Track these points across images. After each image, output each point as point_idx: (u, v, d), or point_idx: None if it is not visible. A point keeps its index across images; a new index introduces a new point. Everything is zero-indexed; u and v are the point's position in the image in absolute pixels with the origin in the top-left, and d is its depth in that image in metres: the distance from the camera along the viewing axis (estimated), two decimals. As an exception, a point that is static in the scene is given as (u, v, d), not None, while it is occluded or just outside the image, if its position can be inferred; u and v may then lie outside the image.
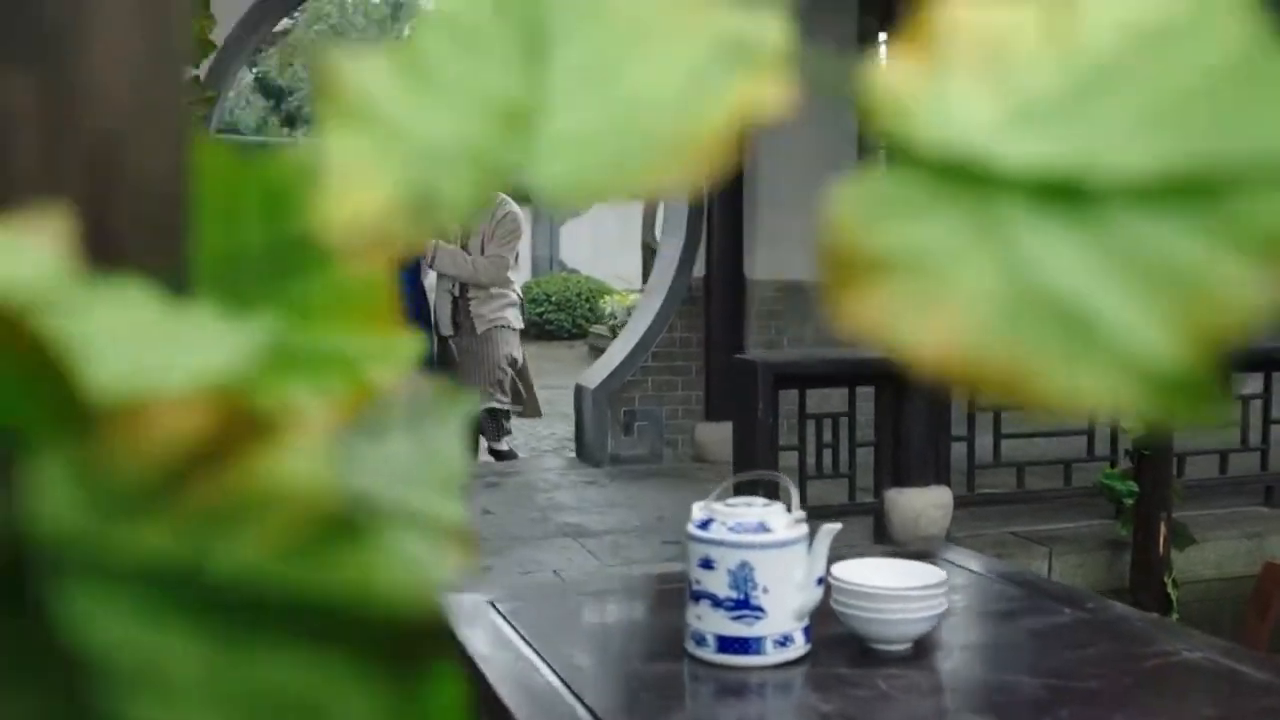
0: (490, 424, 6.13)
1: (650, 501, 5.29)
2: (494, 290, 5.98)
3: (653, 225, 24.99)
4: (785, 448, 4.27)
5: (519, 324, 6.13)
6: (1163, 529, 4.31)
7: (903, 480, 4.42)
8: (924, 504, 4.41)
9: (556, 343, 14.99)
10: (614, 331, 11.88)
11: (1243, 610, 4.75)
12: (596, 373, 6.07)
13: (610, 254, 18.08)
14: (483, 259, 5.89)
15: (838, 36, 5.92)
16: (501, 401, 5.98)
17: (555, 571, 4.10)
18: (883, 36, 6.06)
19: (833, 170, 6.45)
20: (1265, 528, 4.74)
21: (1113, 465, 4.84)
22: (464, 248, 5.96)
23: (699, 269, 6.19)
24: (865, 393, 4.47)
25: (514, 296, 6.11)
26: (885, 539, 4.44)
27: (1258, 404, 4.87)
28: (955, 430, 4.58)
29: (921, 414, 4.40)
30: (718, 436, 6.18)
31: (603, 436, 6.03)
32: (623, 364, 6.11)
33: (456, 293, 6.01)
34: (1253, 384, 4.98)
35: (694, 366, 6.21)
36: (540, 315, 15.24)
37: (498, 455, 6.25)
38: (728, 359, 6.16)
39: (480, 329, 5.99)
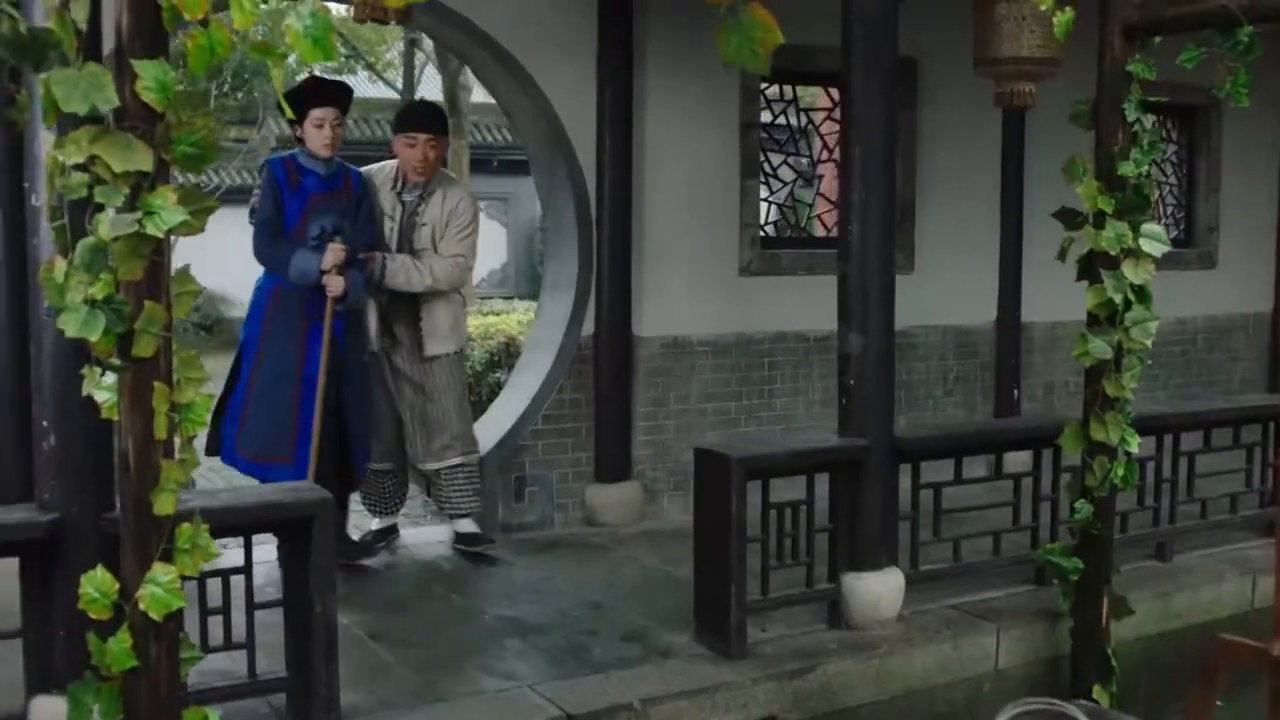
0: (453, 487, 5.37)
1: (572, 582, 5.05)
2: (450, 295, 5.29)
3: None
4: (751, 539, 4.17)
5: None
6: (1105, 602, 4.44)
7: (858, 563, 4.38)
8: (883, 588, 4.39)
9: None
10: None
11: (1169, 676, 4.99)
12: (485, 438, 5.75)
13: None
14: (440, 261, 5.14)
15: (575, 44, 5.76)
16: (466, 456, 5.33)
17: (533, 688, 3.82)
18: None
19: (720, 227, 6.37)
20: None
21: (1036, 534, 4.97)
22: (409, 246, 5.21)
23: (588, 326, 5.97)
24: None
25: (463, 302, 5.49)
26: (841, 623, 4.39)
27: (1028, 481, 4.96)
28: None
29: (877, 496, 4.37)
30: (610, 499, 6.00)
31: (494, 504, 5.72)
32: (514, 428, 5.82)
33: (385, 297, 5.21)
34: (1021, 463, 5.09)
35: (584, 428, 5.99)
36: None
37: (469, 541, 5.42)
38: (617, 418, 6.01)
39: (432, 349, 5.22)
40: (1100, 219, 4.17)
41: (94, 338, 2.49)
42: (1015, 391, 7.33)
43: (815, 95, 7.14)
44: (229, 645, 3.37)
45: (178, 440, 2.68)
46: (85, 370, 2.60)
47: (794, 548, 4.33)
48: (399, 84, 25.21)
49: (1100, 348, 4.17)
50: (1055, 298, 7.55)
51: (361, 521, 5.70)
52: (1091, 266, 4.27)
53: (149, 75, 2.49)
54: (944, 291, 6.97)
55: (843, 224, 4.37)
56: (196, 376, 2.70)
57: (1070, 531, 4.52)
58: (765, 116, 6.55)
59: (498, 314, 14.74)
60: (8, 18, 2.41)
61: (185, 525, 2.68)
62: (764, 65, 2.25)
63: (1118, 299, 4.16)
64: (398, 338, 5.26)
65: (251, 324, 4.98)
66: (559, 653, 4.19)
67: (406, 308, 5.23)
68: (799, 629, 4.38)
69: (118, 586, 2.66)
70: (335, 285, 4.85)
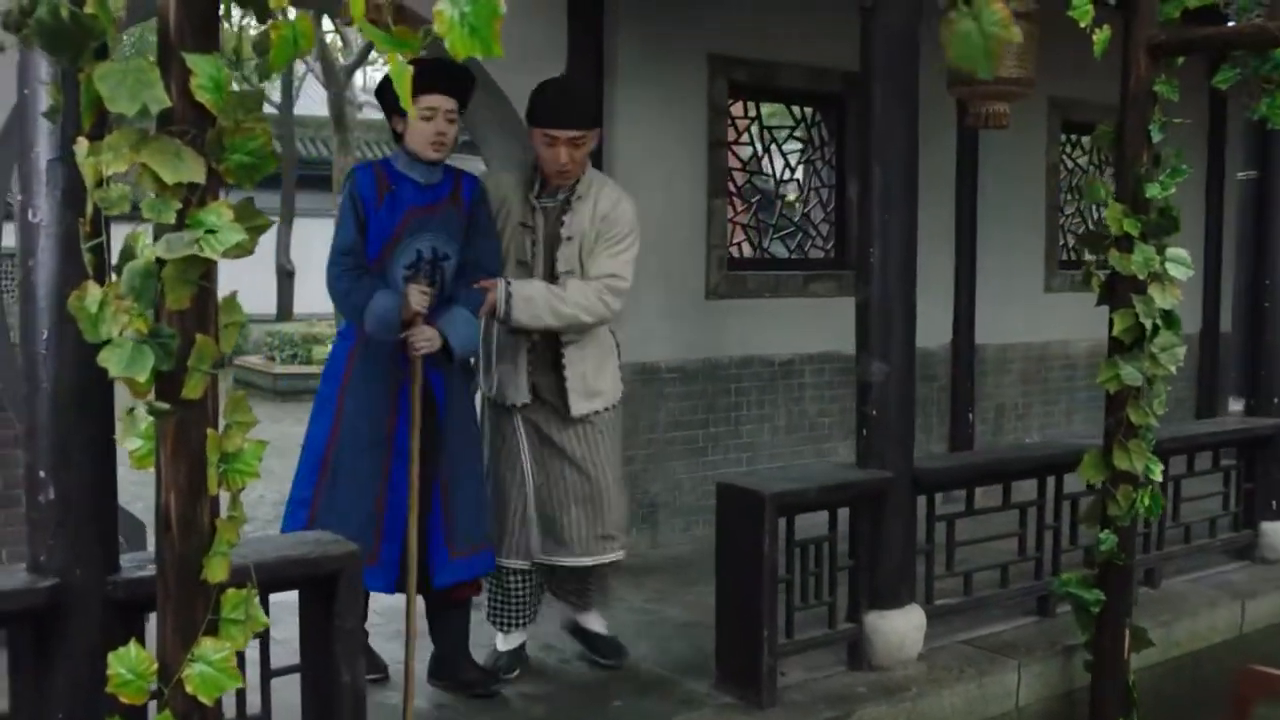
0: (579, 586, 4.22)
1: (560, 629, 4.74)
2: (598, 332, 4.04)
3: (287, 248, 23.67)
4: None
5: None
6: (1127, 634, 4.31)
7: (881, 601, 4.17)
8: (907, 626, 4.19)
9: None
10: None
11: (1180, 706, 4.90)
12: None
13: (235, 275, 16.77)
14: (583, 286, 3.87)
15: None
16: (613, 550, 4.11)
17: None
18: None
19: (688, 248, 6.14)
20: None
21: (1040, 564, 4.84)
22: (552, 266, 3.93)
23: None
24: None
25: (615, 344, 4.21)
26: (862, 664, 4.17)
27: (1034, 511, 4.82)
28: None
29: (898, 530, 4.18)
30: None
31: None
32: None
33: (535, 336, 3.97)
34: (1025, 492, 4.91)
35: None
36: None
37: (594, 645, 4.29)
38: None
39: (580, 407, 3.97)
40: (1126, 242, 4.05)
41: (142, 377, 2.13)
42: (970, 415, 7.26)
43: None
44: (243, 718, 2.99)
45: (224, 495, 2.32)
46: (124, 416, 2.23)
47: (817, 587, 4.11)
48: (275, 97, 24.52)
49: (1131, 374, 4.04)
50: (1005, 321, 7.55)
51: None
52: (1114, 290, 4.14)
53: (204, 72, 2.15)
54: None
55: (863, 247, 4.17)
56: (245, 420, 2.34)
57: (1089, 562, 4.38)
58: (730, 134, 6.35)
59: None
60: (47, 1, 2.06)
61: (234, 591, 2.32)
62: (992, 69, 2.01)
63: (1147, 324, 4.03)
64: (538, 390, 4.01)
65: (330, 378, 3.85)
66: (581, 713, 3.87)
67: (545, 350, 4.00)
68: (820, 671, 4.15)
69: (155, 666, 2.28)
70: (420, 339, 3.63)
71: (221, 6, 2.21)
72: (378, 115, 27.45)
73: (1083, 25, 3.76)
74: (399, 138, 3.79)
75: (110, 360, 2.12)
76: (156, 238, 2.17)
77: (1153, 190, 4.04)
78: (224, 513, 2.32)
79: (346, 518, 3.61)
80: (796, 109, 6.66)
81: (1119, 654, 4.29)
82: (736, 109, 6.41)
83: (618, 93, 5.75)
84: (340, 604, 2.96)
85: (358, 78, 23.37)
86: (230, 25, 2.32)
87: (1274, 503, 5.74)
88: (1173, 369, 4.12)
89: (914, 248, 4.22)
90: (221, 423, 2.31)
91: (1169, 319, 4.09)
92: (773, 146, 6.63)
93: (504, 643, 4.17)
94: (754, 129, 6.51)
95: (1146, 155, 4.06)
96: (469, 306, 3.77)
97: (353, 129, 21.78)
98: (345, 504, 3.68)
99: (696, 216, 6.12)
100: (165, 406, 2.18)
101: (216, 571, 2.26)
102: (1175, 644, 4.92)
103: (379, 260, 3.76)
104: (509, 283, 3.82)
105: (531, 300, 3.79)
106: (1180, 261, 4.10)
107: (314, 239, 17.81)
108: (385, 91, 3.70)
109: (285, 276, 24.04)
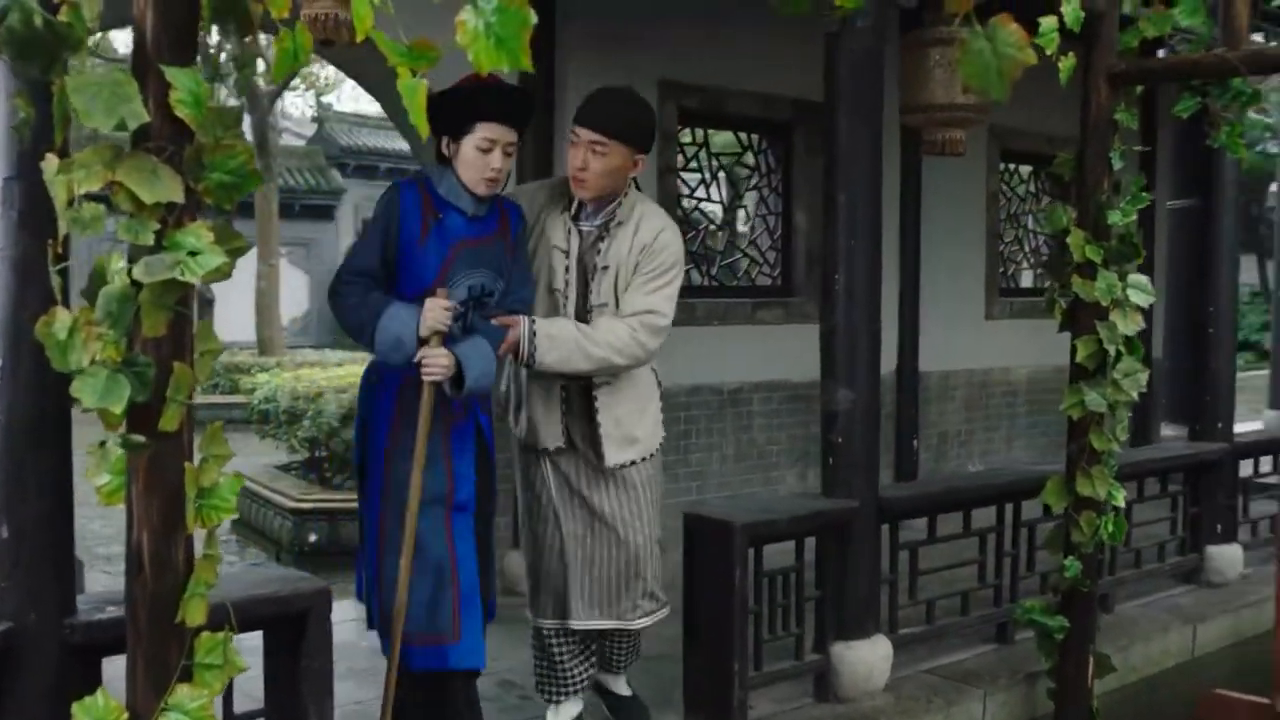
0: (623, 648, 3.77)
1: (518, 662, 4.61)
2: (635, 373, 3.57)
3: (208, 275, 23.22)
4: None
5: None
6: (1091, 660, 4.31)
7: (847, 632, 4.12)
8: (875, 657, 4.14)
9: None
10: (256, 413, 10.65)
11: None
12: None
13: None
14: (616, 323, 3.41)
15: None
16: (659, 612, 3.67)
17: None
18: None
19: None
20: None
21: (999, 592, 4.83)
22: (585, 298, 3.49)
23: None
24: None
25: (657, 382, 3.72)
26: (829, 696, 4.11)
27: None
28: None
29: (865, 559, 4.13)
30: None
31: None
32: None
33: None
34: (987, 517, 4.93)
35: (504, 491, 5.55)
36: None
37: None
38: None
39: (615, 456, 3.51)
40: (1089, 269, 4.06)
41: (118, 408, 2.00)
42: (915, 442, 7.26)
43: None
44: (203, 767, 2.83)
45: (198, 533, 2.20)
46: (92, 450, 2.10)
47: (785, 617, 4.04)
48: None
49: (1096, 400, 4.05)
50: (948, 348, 7.59)
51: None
52: (1076, 317, 4.15)
53: (183, 86, 2.03)
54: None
55: (828, 274, 4.14)
56: (221, 453, 2.22)
57: (1047, 588, 4.38)
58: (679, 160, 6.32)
59: (311, 365, 14.06)
60: (19, 7, 1.93)
61: (209, 635, 2.19)
62: (1006, 91, 1.97)
63: (1111, 350, 4.05)
64: (569, 432, 3.56)
65: (375, 431, 3.26)
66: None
67: (576, 391, 3.55)
68: (788, 704, 4.09)
69: (125, 716, 2.15)
70: (434, 362, 3.08)
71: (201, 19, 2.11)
72: (298, 142, 27.16)
73: (1048, 53, 3.77)
74: (444, 162, 3.25)
75: (84, 391, 1.99)
76: (132, 260, 2.06)
77: (1114, 217, 4.06)
78: (199, 551, 2.20)
79: (414, 588, 3.10)
80: (744, 136, 6.65)
81: (1083, 681, 4.28)
82: (685, 136, 6.38)
83: (569, 118, 5.67)
84: (309, 644, 2.85)
85: (280, 103, 23.04)
86: (210, 39, 2.22)
87: (1219, 527, 5.81)
88: (1135, 395, 4.15)
89: (879, 274, 4.20)
90: (196, 455, 2.19)
91: (1131, 345, 4.11)
92: (720, 174, 6.60)
93: (555, 715, 3.74)
94: (702, 156, 6.48)
95: (1107, 183, 4.09)
96: (488, 338, 3.24)
97: (275, 155, 21.45)
98: (411, 576, 3.09)
99: (646, 243, 6.06)
100: (141, 440, 2.06)
101: (194, 614, 2.13)
102: (1132, 669, 4.93)
103: (422, 298, 3.14)
104: (533, 321, 3.35)
105: (557, 340, 3.33)
106: (1141, 288, 4.12)
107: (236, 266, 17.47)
108: (438, 109, 2.99)
109: (204, 304, 23.60)
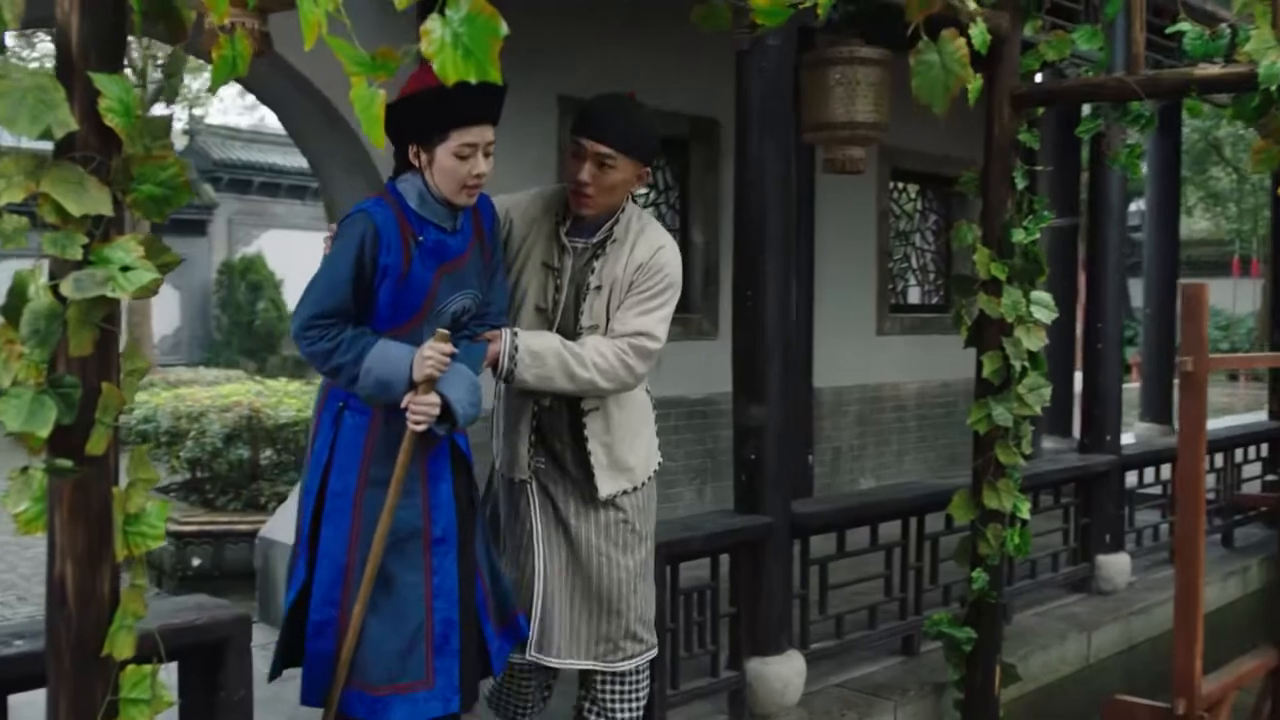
0: (616, 694, 3.38)
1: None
2: (626, 396, 3.32)
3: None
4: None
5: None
6: (998, 671, 4.38)
7: (761, 648, 4.13)
8: (790, 673, 4.15)
9: None
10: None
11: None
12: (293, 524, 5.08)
13: None
14: (604, 344, 3.15)
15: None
16: (645, 654, 3.37)
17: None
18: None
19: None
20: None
21: (905, 604, 4.89)
22: (575, 319, 3.23)
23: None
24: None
25: (651, 403, 3.52)
26: (743, 713, 4.11)
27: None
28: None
29: (779, 575, 4.15)
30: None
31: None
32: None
33: (545, 399, 3.26)
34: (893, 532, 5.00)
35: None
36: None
37: None
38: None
39: (609, 486, 3.27)
40: (994, 285, 4.15)
41: (44, 431, 1.90)
42: (810, 458, 7.34)
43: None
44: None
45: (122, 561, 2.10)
46: (13, 476, 1.99)
47: (701, 635, 4.03)
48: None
49: (1002, 415, 4.13)
50: (840, 363, 7.70)
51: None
52: (981, 333, 4.23)
53: (112, 94, 1.95)
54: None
55: (739, 290, 4.15)
56: (148, 478, 2.12)
57: (960, 601, 4.45)
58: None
59: (188, 384, 13.64)
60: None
61: (135, 668, 2.08)
62: (945, 105, 1.98)
63: (1017, 365, 4.13)
64: (557, 457, 3.30)
65: (343, 470, 2.92)
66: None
67: (562, 413, 3.29)
68: (702, 722, 4.07)
69: (45, 757, 2.03)
70: (424, 410, 2.81)
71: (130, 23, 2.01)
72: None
73: (969, 87, 3.84)
74: (411, 169, 2.89)
75: (7, 413, 1.88)
76: (57, 275, 1.95)
77: (1018, 235, 4.15)
78: (125, 581, 2.09)
79: (387, 635, 2.86)
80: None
81: (990, 690, 4.36)
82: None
83: (470, 132, 5.62)
84: (227, 674, 2.74)
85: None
86: (139, 45, 2.12)
87: (1108, 536, 5.99)
88: (1039, 409, 4.24)
89: (790, 291, 4.24)
90: (123, 480, 2.09)
91: (1035, 360, 4.20)
92: (620, 190, 6.59)
93: None
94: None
95: (1011, 202, 4.18)
96: (469, 363, 2.94)
97: (146, 167, 20.65)
98: (384, 618, 2.86)
99: (547, 259, 6.02)
100: (68, 464, 1.95)
101: (122, 647, 2.03)
102: (1032, 678, 5.03)
103: (403, 331, 2.86)
104: (515, 334, 3.09)
105: (541, 357, 3.07)
106: (1044, 304, 4.22)
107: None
108: (402, 115, 2.77)
109: None
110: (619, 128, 3.15)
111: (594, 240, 3.24)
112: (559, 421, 3.27)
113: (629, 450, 3.31)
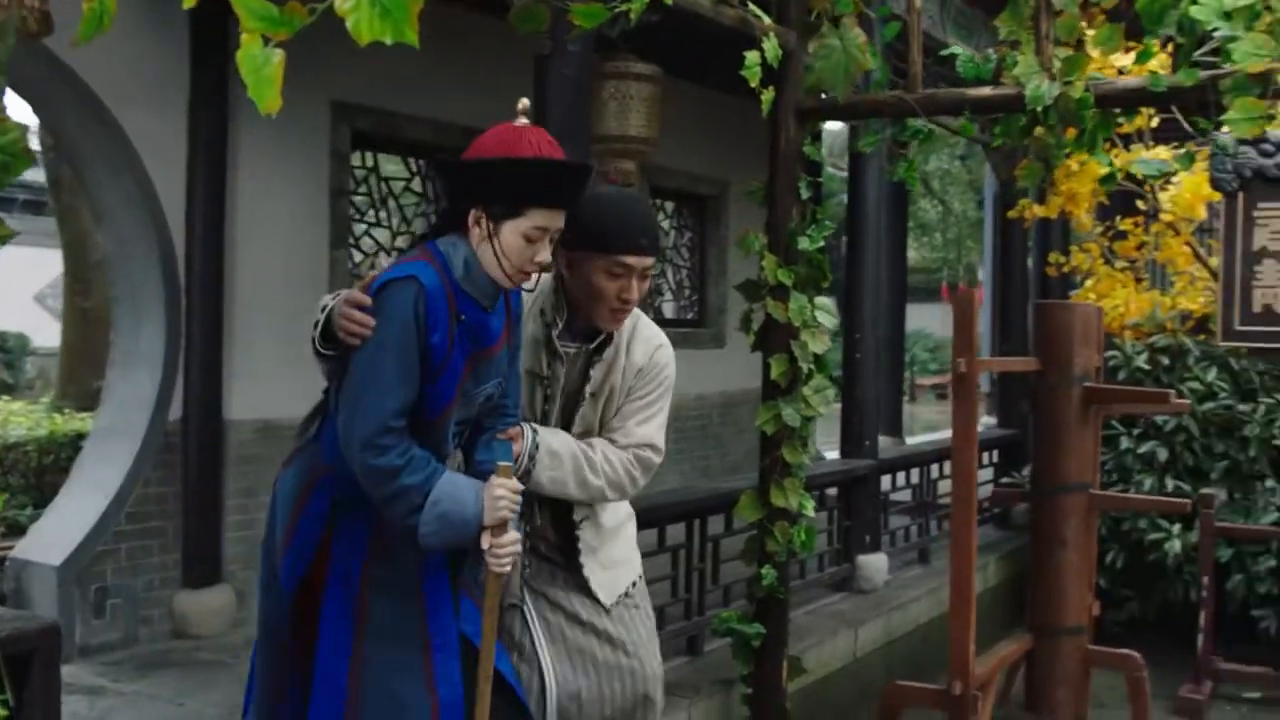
0: None
1: (223, 710, 4.30)
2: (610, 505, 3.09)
3: None
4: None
5: None
6: (785, 664, 4.54)
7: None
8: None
9: None
10: None
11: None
12: (55, 544, 4.75)
13: None
14: (614, 455, 2.93)
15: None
16: None
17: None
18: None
19: (311, 300, 5.83)
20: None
21: (689, 604, 5.00)
22: (565, 428, 2.96)
23: (175, 409, 5.19)
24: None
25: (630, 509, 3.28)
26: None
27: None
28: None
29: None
30: (202, 606, 5.21)
31: (70, 625, 4.74)
32: (93, 531, 4.88)
33: (538, 518, 3.00)
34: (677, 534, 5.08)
35: (171, 526, 5.17)
36: None
37: None
38: (207, 514, 5.28)
39: (612, 589, 3.02)
40: (781, 291, 4.32)
41: None
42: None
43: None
44: (-102, 845, 2.44)
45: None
46: None
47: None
48: None
49: (791, 415, 4.29)
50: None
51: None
52: (767, 337, 4.39)
53: (-58, 53, 1.80)
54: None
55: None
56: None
57: (748, 598, 4.58)
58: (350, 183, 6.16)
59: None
60: None
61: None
62: (847, 91, 2.05)
63: (804, 368, 4.31)
64: (550, 573, 3.02)
65: (342, 561, 2.54)
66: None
67: (556, 530, 3.03)
68: None
69: None
70: (506, 551, 2.48)
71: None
72: None
73: (752, 85, 4.00)
74: (449, 225, 2.56)
75: None
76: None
77: (803, 243, 4.34)
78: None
79: None
80: (413, 162, 6.58)
81: (778, 683, 4.51)
82: (356, 159, 6.23)
83: (241, 135, 5.42)
84: (33, 692, 2.52)
85: None
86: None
87: (868, 537, 6.30)
88: (823, 411, 4.43)
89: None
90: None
91: (820, 363, 4.39)
92: (390, 200, 6.49)
93: None
94: (372, 180, 6.35)
95: (796, 211, 4.37)
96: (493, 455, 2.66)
97: None
98: None
99: (317, 267, 5.86)
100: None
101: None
102: (808, 672, 5.22)
103: (438, 423, 2.52)
104: (536, 431, 2.85)
105: (559, 459, 2.84)
106: (827, 310, 4.42)
107: None
108: (485, 178, 2.48)
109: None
110: (652, 233, 2.93)
111: (591, 346, 2.97)
112: (548, 535, 3.02)
113: (626, 545, 3.18)
